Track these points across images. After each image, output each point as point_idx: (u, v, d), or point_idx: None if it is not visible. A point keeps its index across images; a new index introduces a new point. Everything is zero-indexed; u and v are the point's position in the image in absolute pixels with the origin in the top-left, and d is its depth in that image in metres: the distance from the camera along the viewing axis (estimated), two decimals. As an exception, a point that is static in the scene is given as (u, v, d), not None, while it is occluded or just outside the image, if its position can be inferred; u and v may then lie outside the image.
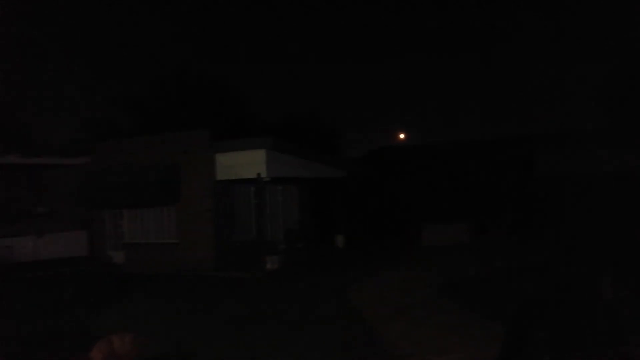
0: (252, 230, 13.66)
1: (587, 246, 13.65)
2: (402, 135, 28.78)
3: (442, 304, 8.17)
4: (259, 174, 12.56)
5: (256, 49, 52.70)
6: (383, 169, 19.87)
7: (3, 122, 19.49)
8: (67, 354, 5.34)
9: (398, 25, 61.02)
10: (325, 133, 24.13)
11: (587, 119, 27.37)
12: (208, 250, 13.10)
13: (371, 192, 19.35)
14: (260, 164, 12.59)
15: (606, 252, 12.59)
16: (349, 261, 13.64)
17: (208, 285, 11.15)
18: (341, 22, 61.46)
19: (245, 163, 12.86)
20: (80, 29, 45.94)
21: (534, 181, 18.78)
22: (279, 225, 15.22)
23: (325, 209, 17.32)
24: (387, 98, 53.49)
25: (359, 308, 8.16)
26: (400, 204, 19.15)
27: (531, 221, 17.24)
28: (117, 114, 23.64)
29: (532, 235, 15.57)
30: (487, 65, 51.64)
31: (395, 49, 57.28)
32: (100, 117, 23.65)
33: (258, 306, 8.82)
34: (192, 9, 50.86)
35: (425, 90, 54.22)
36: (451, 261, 12.35)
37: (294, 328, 7.22)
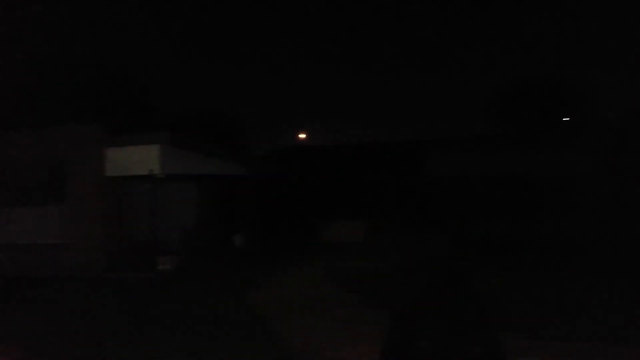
0: (146, 230, 13.06)
1: (470, 242, 14.83)
2: (302, 135, 29.23)
3: (340, 299, 8.37)
4: (151, 171, 12.02)
5: (165, 43, 50.47)
6: (286, 167, 20.05)
7: None
8: None
9: (304, 27, 61.68)
10: (230, 130, 23.81)
11: (475, 125, 29.67)
12: (97, 251, 12.28)
13: (274, 190, 19.42)
14: (154, 160, 12.03)
15: (488, 248, 13.76)
16: (248, 260, 13.52)
17: (94, 288, 10.45)
18: (254, 20, 60.83)
19: (139, 159, 12.21)
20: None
21: (425, 182, 20.00)
22: (175, 224, 14.68)
23: (227, 207, 17.07)
24: (293, 98, 53.89)
25: (256, 306, 8.11)
26: (302, 203, 19.43)
27: (423, 219, 18.34)
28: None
29: (424, 233, 16.53)
30: (386, 69, 53.89)
31: (303, 50, 57.84)
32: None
33: (146, 309, 8.41)
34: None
35: (330, 92, 55.38)
36: (348, 257, 12.74)
37: (185, 330, 6.98)
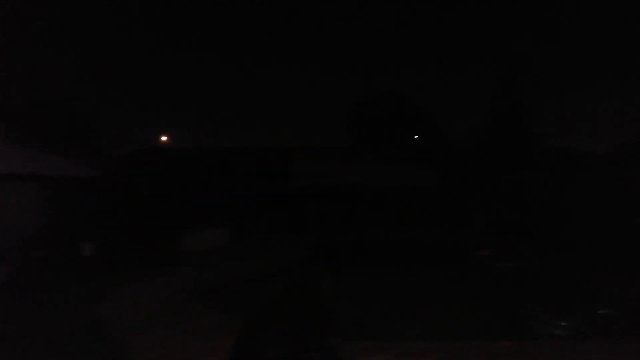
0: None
1: (326, 248, 15.44)
2: (164, 138, 27.96)
3: (196, 309, 8.14)
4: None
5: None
6: (145, 170, 18.99)
7: None
8: None
9: (171, 28, 59.23)
10: (82, 129, 21.82)
11: (336, 136, 31.24)
12: None
13: (131, 194, 18.22)
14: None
15: (343, 253, 14.43)
16: (98, 270, 12.47)
17: None
18: (118, 15, 56.56)
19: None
20: None
21: (289, 189, 20.42)
22: (11, 230, 13.01)
23: (75, 213, 15.58)
24: (156, 99, 51.28)
25: (106, 320, 7.53)
26: (161, 208, 18.51)
27: (286, 226, 18.69)
28: None
29: (286, 240, 16.82)
30: (255, 75, 54.09)
31: (168, 52, 55.41)
32: None
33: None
34: None
35: (196, 95, 53.83)
36: (208, 266, 12.44)
37: (24, 349, 6.23)
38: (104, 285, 10.19)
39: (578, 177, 19.39)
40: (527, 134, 25.93)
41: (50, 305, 8.69)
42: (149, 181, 18.59)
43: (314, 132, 50.66)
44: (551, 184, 19.32)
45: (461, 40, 51.93)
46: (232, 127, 50.43)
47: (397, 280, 10.07)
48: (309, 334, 6.50)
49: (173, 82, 52.03)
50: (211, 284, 10.20)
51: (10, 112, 19.27)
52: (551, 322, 7.03)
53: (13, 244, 12.83)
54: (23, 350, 6.20)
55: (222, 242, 15.44)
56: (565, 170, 20.62)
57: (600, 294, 8.69)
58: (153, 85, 52.26)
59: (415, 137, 30.35)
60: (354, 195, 20.16)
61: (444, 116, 42.34)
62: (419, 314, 7.44)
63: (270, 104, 52.64)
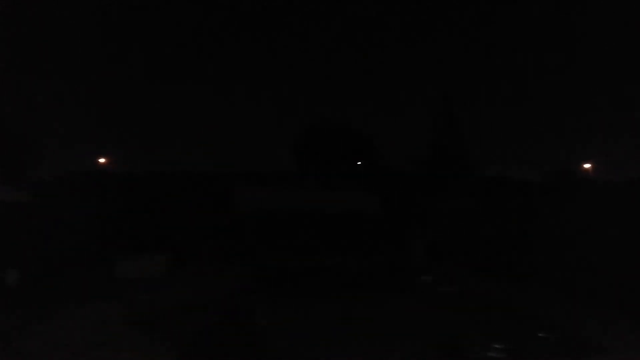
0: None
1: (267, 276, 15.23)
2: (102, 160, 26.90)
3: (128, 341, 7.72)
4: None
5: None
6: (80, 194, 18.08)
7: None
8: None
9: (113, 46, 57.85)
10: (10, 150, 20.61)
11: (280, 161, 31.30)
12: None
13: (62, 219, 17.25)
14: None
15: (284, 280, 14.28)
16: (24, 300, 11.66)
17: None
18: (56, 33, 54.57)
19: None
20: None
21: (232, 215, 20.07)
22: None
23: (0, 239, 14.55)
24: (95, 120, 49.50)
25: (33, 355, 6.99)
26: (95, 234, 17.63)
27: (230, 253, 18.27)
28: None
29: (229, 267, 16.43)
30: (199, 100, 53.52)
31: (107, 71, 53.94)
32: None
33: None
34: None
35: (137, 116, 52.46)
36: (143, 294, 11.90)
37: None
38: (28, 318, 9.50)
39: (512, 203, 20.33)
40: (464, 163, 27.07)
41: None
42: (83, 205, 17.70)
43: (258, 157, 50.60)
44: (488, 210, 20.13)
45: (405, 72, 53.95)
46: (174, 151, 49.40)
47: (336, 308, 10.05)
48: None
49: (114, 104, 50.57)
50: (145, 313, 9.75)
51: None
52: (486, 345, 7.19)
53: None
54: None
55: (159, 270, 14.86)
56: (500, 197, 21.58)
57: (538, 318, 8.98)
58: (92, 107, 50.49)
59: (359, 163, 30.88)
60: (298, 221, 20.09)
61: (386, 145, 43.53)
62: (356, 342, 7.44)
63: (214, 129, 52.09)
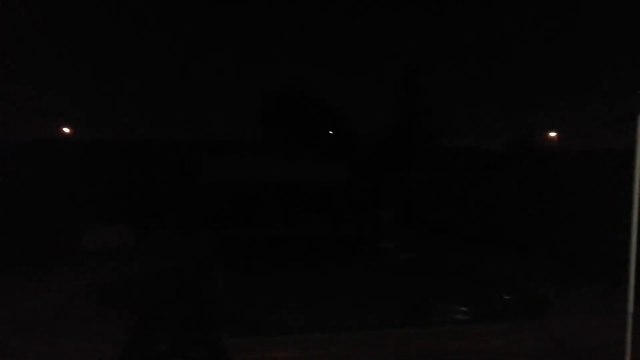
0: None
1: (234, 245, 15.32)
2: (66, 129, 26.14)
3: (91, 312, 7.71)
4: None
5: None
6: (41, 164, 17.59)
7: None
8: None
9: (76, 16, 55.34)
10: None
11: (248, 130, 30.98)
12: None
13: (18, 190, 16.80)
14: None
15: (247, 251, 14.38)
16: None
17: None
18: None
19: None
20: None
21: (199, 184, 19.95)
22: None
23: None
24: (58, 87, 47.70)
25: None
26: (56, 205, 17.27)
27: (197, 222, 18.26)
28: None
29: (196, 237, 16.43)
30: (164, 67, 52.11)
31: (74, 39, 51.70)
32: None
33: None
34: None
35: (102, 83, 50.74)
36: (106, 264, 11.85)
37: None
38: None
39: (477, 172, 20.74)
40: (430, 133, 27.36)
41: None
42: (44, 175, 17.26)
43: (225, 126, 49.91)
44: (453, 180, 20.51)
45: (372, 40, 53.52)
46: (139, 120, 48.31)
47: (300, 276, 10.20)
48: (198, 332, 6.43)
49: (78, 70, 48.77)
50: (108, 283, 9.73)
51: None
52: (453, 308, 7.37)
53: None
54: None
55: (124, 240, 14.78)
56: (465, 167, 22.00)
57: (502, 282, 9.29)
58: (54, 74, 48.61)
59: (330, 132, 30.86)
60: (264, 191, 20.12)
61: (354, 114, 43.49)
62: (319, 307, 7.59)
63: (179, 97, 51.00)
